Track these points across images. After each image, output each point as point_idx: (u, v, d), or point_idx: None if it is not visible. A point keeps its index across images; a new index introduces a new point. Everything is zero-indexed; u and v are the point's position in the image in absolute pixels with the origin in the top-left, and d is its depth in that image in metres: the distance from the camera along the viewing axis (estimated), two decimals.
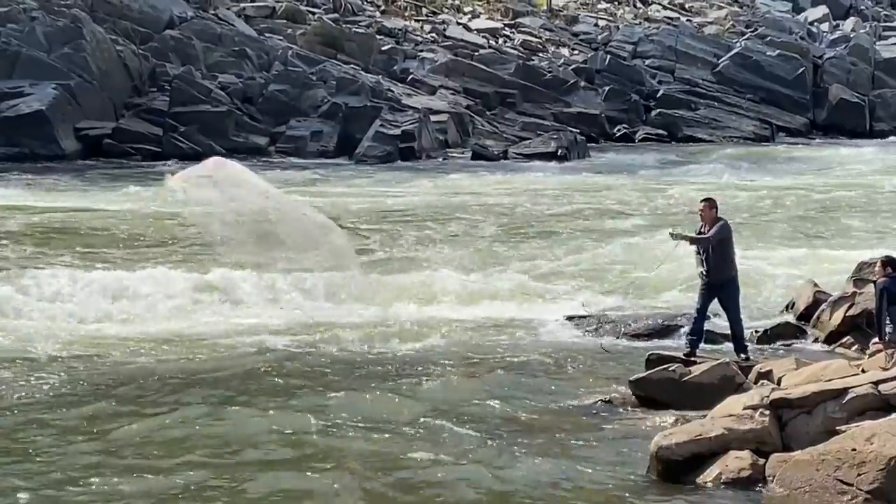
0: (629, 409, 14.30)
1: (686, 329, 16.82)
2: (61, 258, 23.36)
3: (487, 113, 49.69)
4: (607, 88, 52.76)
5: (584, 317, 19.05)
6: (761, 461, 11.65)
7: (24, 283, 20.14)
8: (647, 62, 56.11)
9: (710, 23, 62.20)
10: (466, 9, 60.77)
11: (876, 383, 12.18)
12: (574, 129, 47.69)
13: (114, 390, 14.82)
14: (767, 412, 12.06)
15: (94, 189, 34.22)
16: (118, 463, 12.15)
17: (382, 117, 44.00)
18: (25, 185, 34.56)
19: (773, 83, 55.26)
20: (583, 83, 52.94)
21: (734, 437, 11.90)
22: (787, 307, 19.38)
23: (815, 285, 19.14)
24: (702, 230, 16.11)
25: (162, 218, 28.44)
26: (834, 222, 29.16)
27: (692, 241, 16.04)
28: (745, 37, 59.06)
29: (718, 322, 17.25)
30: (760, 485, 11.48)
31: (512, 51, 55.19)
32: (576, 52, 57.21)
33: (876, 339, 14.55)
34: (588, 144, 46.59)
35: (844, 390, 12.14)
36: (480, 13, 60.38)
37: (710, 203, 16.17)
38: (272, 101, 45.07)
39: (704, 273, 15.87)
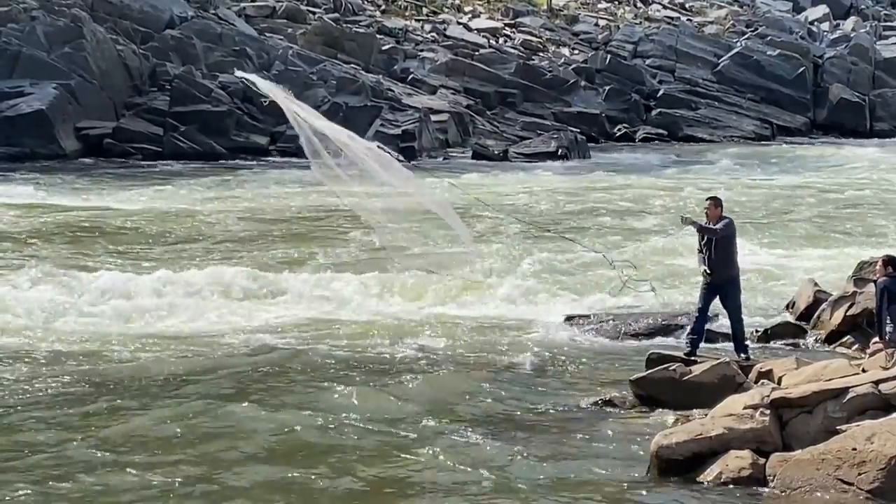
0: (629, 408, 14.31)
1: (687, 328, 16.82)
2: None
3: (488, 112, 49.71)
4: (608, 88, 52.79)
5: (584, 316, 19.06)
6: (762, 460, 11.65)
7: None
8: (648, 62, 56.14)
9: (711, 22, 62.22)
10: (467, 8, 60.78)
11: (876, 383, 12.18)
12: (574, 129, 47.71)
13: (111, 386, 14.85)
14: (768, 411, 12.06)
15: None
16: (115, 459, 12.16)
17: (383, 117, 44.02)
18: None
19: (774, 83, 55.30)
20: (583, 83, 52.97)
21: (734, 437, 11.89)
22: (787, 306, 19.38)
23: (816, 285, 19.14)
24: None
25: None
26: (834, 222, 29.16)
27: (700, 228, 15.98)
28: (746, 36, 59.09)
29: (719, 322, 17.26)
30: (761, 484, 11.48)
31: (512, 50, 55.20)
32: (576, 51, 57.22)
33: (876, 339, 14.55)
34: (588, 144, 46.61)
35: (845, 390, 12.14)
36: (481, 13, 60.39)
37: (715, 202, 16.21)
38: (273, 101, 45.01)
39: (707, 272, 15.87)
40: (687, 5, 65.66)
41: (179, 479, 11.63)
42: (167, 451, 12.44)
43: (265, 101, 17.65)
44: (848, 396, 12.05)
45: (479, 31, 57.08)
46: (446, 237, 21.93)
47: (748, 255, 22.49)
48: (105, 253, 24.29)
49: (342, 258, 23.98)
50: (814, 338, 17.79)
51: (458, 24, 57.90)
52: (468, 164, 42.32)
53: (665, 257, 23.39)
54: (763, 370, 14.44)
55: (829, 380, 12.71)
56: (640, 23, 61.08)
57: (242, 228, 27.79)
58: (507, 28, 58.63)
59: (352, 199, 18.94)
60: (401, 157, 17.51)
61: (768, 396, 12.24)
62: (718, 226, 15.79)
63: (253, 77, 18.49)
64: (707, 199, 16.45)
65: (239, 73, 20.85)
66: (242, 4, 53.62)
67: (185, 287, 20.41)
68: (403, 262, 20.30)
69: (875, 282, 14.91)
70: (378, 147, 18.30)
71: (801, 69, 55.65)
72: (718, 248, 15.77)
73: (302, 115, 16.99)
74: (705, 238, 15.90)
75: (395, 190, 18.79)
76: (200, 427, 13.21)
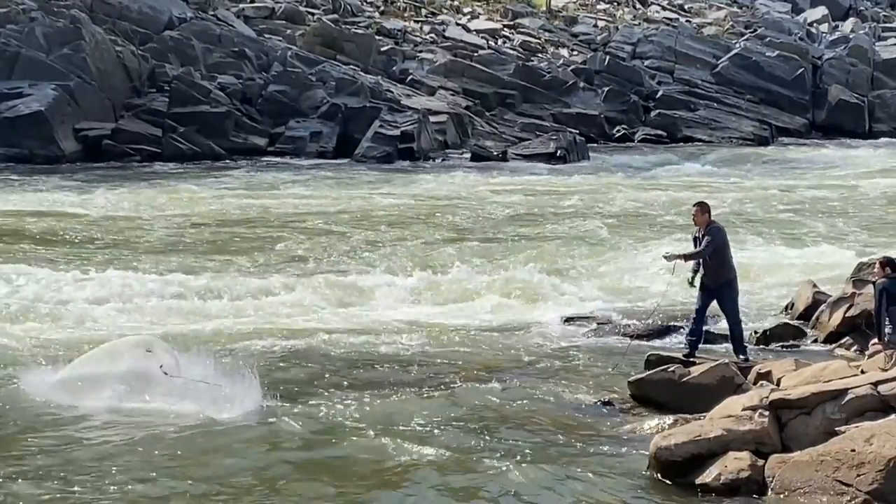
0: (628, 409, 14.30)
1: (685, 330, 16.83)
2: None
3: (487, 114, 49.69)
4: (606, 89, 52.80)
5: (584, 318, 19.07)
6: (760, 462, 11.65)
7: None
8: (647, 63, 56.14)
9: (710, 23, 62.22)
10: (466, 9, 60.78)
11: (875, 384, 12.18)
12: (573, 130, 47.70)
13: None
14: (767, 413, 12.05)
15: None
16: (111, 462, 12.18)
17: (382, 118, 44.02)
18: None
19: (773, 84, 55.32)
20: (582, 84, 52.97)
21: (733, 438, 11.89)
22: (786, 308, 19.38)
23: (815, 286, 19.14)
24: (696, 235, 16.14)
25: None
26: (834, 222, 29.17)
27: (686, 258, 16.09)
28: (745, 37, 59.10)
29: (718, 323, 17.26)
30: (759, 486, 11.48)
31: (511, 51, 55.20)
32: (575, 52, 57.22)
33: (875, 340, 14.56)
34: (587, 145, 46.60)
35: (844, 391, 12.14)
36: (480, 14, 60.40)
37: (702, 207, 16.18)
38: (271, 102, 45.08)
39: (691, 281, 15.95)
40: (686, 6, 65.67)
41: (167, 489, 11.64)
42: (162, 459, 12.44)
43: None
44: (847, 398, 12.05)
45: (477, 32, 57.08)
46: None
47: (748, 256, 22.52)
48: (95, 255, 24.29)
49: (342, 260, 23.99)
50: (813, 339, 17.79)
51: (457, 25, 57.90)
52: (467, 165, 42.33)
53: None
54: (762, 371, 14.44)
55: (828, 381, 12.70)
56: (639, 24, 61.09)
57: (245, 229, 27.79)
58: (505, 29, 58.63)
59: None
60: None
61: (767, 398, 12.24)
62: (703, 243, 15.80)
63: None
64: (694, 206, 16.41)
65: None
66: (241, 5, 53.62)
67: (189, 289, 20.42)
68: None
69: (874, 283, 14.92)
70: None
71: (800, 70, 55.67)
72: (712, 254, 15.82)
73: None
74: (698, 244, 15.94)
75: None
76: (201, 429, 13.19)
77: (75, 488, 11.46)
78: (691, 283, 16.12)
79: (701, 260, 15.89)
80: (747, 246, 24.10)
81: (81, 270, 21.59)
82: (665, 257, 16.46)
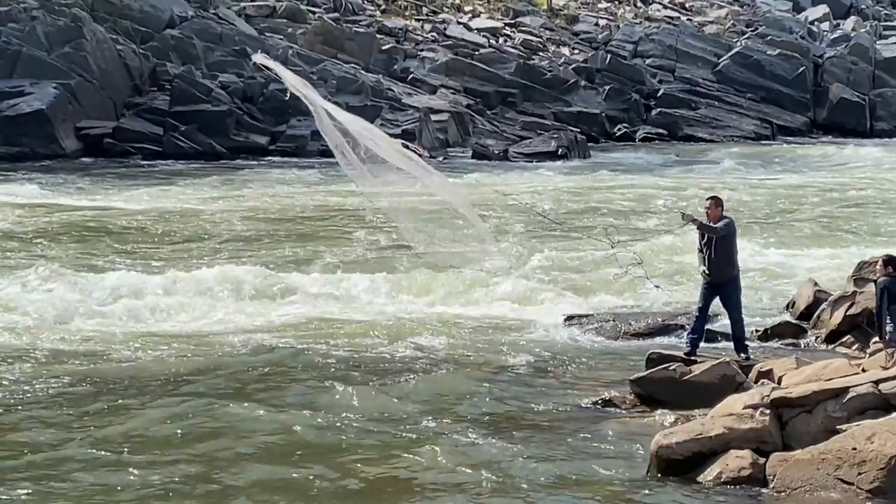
0: (629, 408, 14.31)
1: (687, 328, 16.82)
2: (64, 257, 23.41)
3: (488, 112, 49.73)
4: (608, 88, 52.82)
5: (584, 316, 19.06)
6: (762, 460, 11.65)
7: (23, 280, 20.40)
8: (648, 61, 56.17)
9: (711, 22, 62.23)
10: (467, 8, 60.77)
11: (876, 382, 12.18)
12: (574, 129, 47.75)
13: (112, 386, 14.84)
14: (768, 411, 12.05)
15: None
16: (114, 458, 12.17)
17: (383, 117, 44.02)
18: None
19: (774, 82, 55.34)
20: (583, 82, 52.99)
21: (735, 436, 11.90)
22: (787, 306, 19.38)
23: (816, 284, 19.14)
24: None
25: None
26: (834, 221, 29.15)
27: (700, 225, 15.93)
28: (746, 36, 59.12)
29: (719, 321, 17.26)
30: (761, 484, 11.48)
31: (512, 50, 55.22)
32: (576, 51, 57.23)
33: (876, 339, 14.55)
34: (588, 144, 46.63)
35: (845, 389, 12.14)
36: (481, 12, 60.38)
37: (716, 201, 16.18)
38: (272, 101, 45.07)
39: (706, 272, 15.88)
40: (687, 5, 65.65)
41: (178, 479, 11.65)
42: (166, 451, 12.44)
43: (287, 96, 15.70)
44: (848, 396, 12.05)
45: (479, 30, 57.09)
46: (469, 235, 21.46)
47: (750, 254, 22.49)
48: (113, 252, 24.33)
49: (349, 257, 24.00)
50: (814, 337, 17.77)
51: (458, 23, 57.90)
52: (468, 164, 42.32)
53: (669, 255, 23.38)
54: (763, 370, 14.43)
55: (830, 379, 12.70)
56: (641, 22, 61.09)
57: (248, 228, 27.84)
58: (507, 28, 58.63)
59: (383, 202, 18.49)
60: (421, 152, 16.43)
61: (768, 396, 12.24)
62: (719, 225, 15.79)
63: (273, 64, 16.88)
64: (707, 199, 16.42)
65: (258, 58, 17.35)
66: (242, 4, 53.63)
67: (195, 286, 20.40)
68: (427, 259, 20.05)
69: (875, 281, 14.91)
70: (402, 144, 17.50)
71: (801, 69, 55.68)
72: (719, 247, 15.75)
73: (324, 107, 16.14)
74: (706, 237, 15.87)
75: (419, 188, 18.28)
76: (200, 426, 13.20)
77: None
78: (684, 217, 16.11)
79: (705, 257, 15.82)
80: (750, 243, 23.95)
81: (185, 268, 21.79)
82: (682, 215, 16.30)
